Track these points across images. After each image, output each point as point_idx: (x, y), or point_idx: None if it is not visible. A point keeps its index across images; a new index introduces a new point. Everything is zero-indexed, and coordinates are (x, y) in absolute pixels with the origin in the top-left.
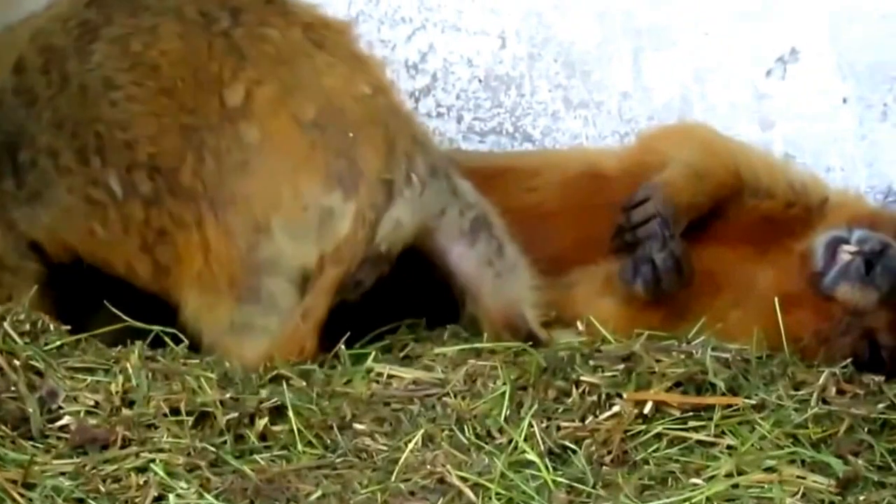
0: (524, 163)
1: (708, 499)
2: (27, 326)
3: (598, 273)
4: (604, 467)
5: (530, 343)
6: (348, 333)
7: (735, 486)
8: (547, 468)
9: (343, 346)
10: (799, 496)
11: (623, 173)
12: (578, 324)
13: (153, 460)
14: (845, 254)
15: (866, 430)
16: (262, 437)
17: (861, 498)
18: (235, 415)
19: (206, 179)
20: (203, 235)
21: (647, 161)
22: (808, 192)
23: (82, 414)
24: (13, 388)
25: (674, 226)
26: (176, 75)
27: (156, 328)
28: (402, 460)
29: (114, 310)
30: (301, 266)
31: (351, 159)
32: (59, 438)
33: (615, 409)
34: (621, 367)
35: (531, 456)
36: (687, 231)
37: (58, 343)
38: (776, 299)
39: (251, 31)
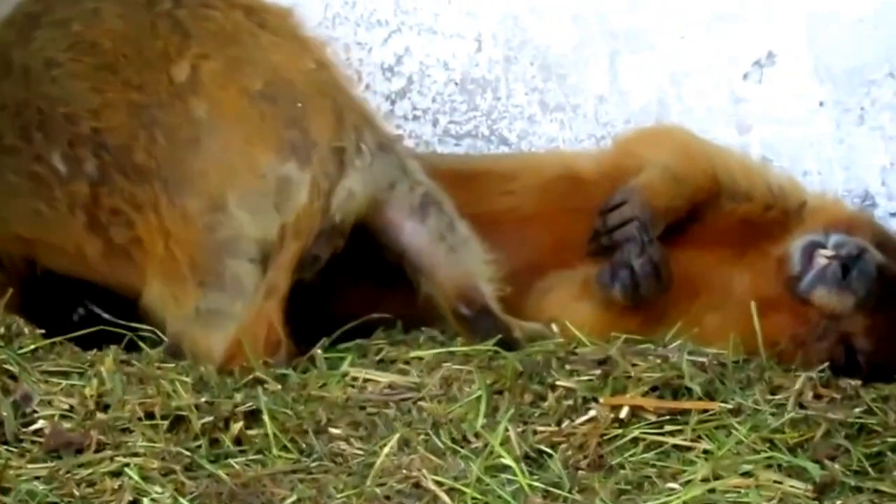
0: (501, 166)
1: (685, 503)
2: (1, 330)
3: (576, 277)
4: (580, 472)
5: (499, 336)
6: (325, 340)
7: (711, 490)
8: (523, 472)
9: (319, 351)
10: (776, 501)
11: (600, 177)
12: (553, 325)
13: (128, 464)
14: (822, 258)
15: (843, 434)
16: (237, 441)
17: (838, 503)
18: (210, 419)
19: (160, 158)
20: (160, 218)
21: (624, 164)
22: (787, 196)
23: (57, 418)
24: None
25: (651, 229)
26: (118, 52)
27: (130, 333)
28: (377, 465)
29: (95, 308)
30: (262, 239)
31: (302, 129)
32: (33, 442)
33: (591, 413)
34: (597, 371)
35: (507, 460)
36: (665, 234)
37: (32, 347)
38: (753, 303)
39: (194, 12)
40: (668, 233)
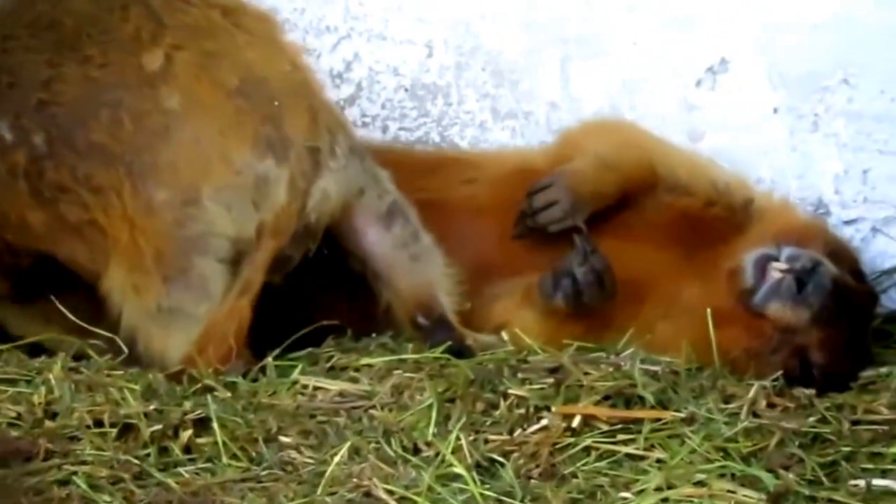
0: (468, 156)
1: None
2: None
3: (520, 285)
4: (532, 481)
5: (449, 344)
6: (278, 350)
7: (665, 500)
8: (475, 481)
9: (269, 359)
10: None
11: (548, 168)
12: (503, 333)
13: (76, 473)
14: (776, 272)
15: (797, 443)
16: (187, 449)
17: None
18: (159, 427)
19: (125, 143)
20: (123, 205)
21: (567, 154)
22: (732, 192)
23: (4, 426)
24: None
25: (575, 213)
26: (81, 30)
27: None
28: (328, 473)
29: (60, 307)
30: (236, 237)
31: (278, 126)
32: None
33: (543, 422)
34: (550, 379)
35: (459, 469)
36: (603, 225)
37: None
38: (709, 312)
39: (170, 3)
40: (607, 223)
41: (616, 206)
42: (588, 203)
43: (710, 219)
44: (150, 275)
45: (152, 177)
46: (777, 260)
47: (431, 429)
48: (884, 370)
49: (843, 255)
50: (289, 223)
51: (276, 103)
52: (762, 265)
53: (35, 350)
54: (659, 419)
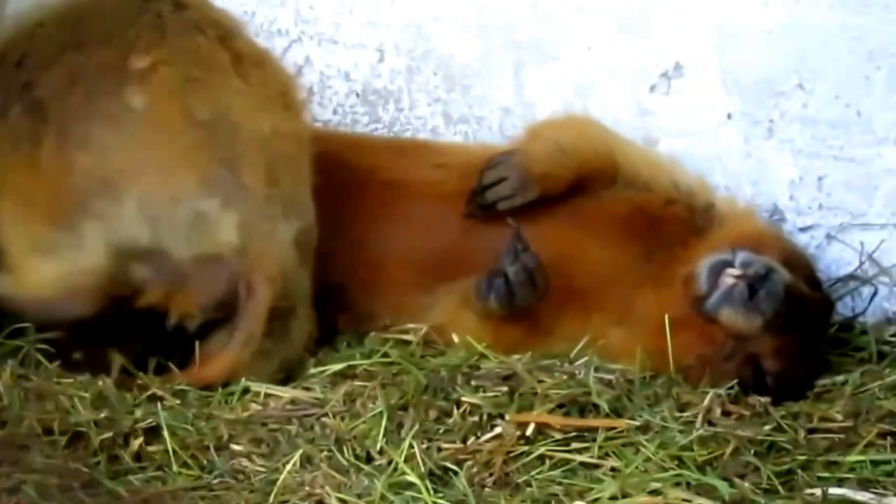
0: (436, 144)
1: None
2: None
3: (459, 288)
4: (486, 489)
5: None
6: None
7: None
8: (428, 490)
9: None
10: None
11: None
12: (454, 337)
13: (25, 481)
14: (729, 277)
15: (752, 452)
16: (137, 457)
17: None
18: (110, 435)
19: (66, 104)
20: (34, 155)
21: None
22: (693, 194)
23: None
24: None
25: (524, 191)
26: (90, 21)
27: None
28: (279, 481)
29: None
30: (133, 243)
31: (234, 172)
32: None
33: (497, 430)
34: (503, 387)
35: (412, 477)
36: (562, 216)
37: None
38: (667, 318)
39: (183, 25)
40: (564, 212)
41: (574, 194)
42: (537, 182)
43: (669, 217)
44: (40, 213)
45: (81, 147)
46: (732, 265)
47: (384, 436)
48: (839, 378)
49: (798, 262)
50: (281, 269)
51: (239, 150)
52: (717, 271)
53: None
54: (613, 427)
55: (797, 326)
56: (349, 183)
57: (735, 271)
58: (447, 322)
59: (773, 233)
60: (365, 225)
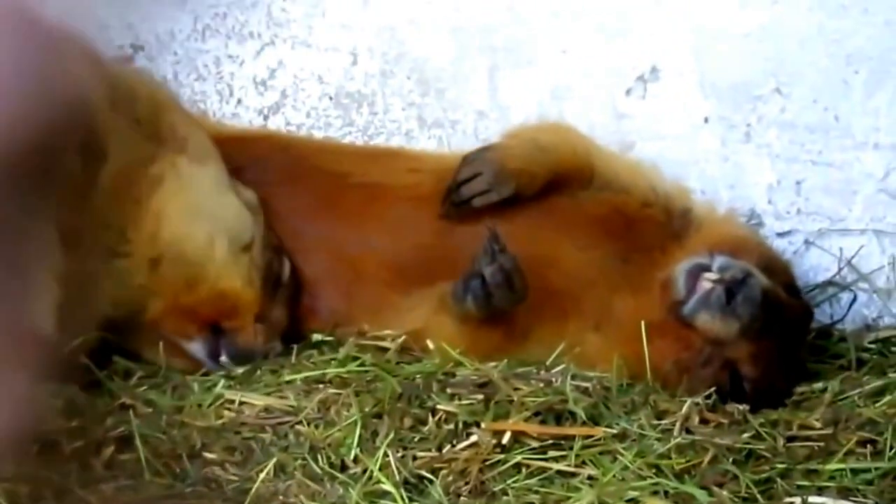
0: (409, 150)
1: None
2: None
3: (436, 292)
4: (461, 498)
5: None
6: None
7: None
8: (403, 499)
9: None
10: None
11: None
12: (429, 343)
13: None
14: (706, 282)
15: (731, 460)
16: (109, 465)
17: None
18: (81, 443)
19: None
20: None
21: None
22: (671, 198)
23: None
24: None
25: (499, 186)
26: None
27: None
28: (253, 490)
29: None
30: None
31: None
32: None
33: (473, 438)
34: (479, 395)
35: (387, 486)
36: (538, 216)
37: None
38: (643, 324)
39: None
40: (540, 212)
41: (549, 194)
42: (512, 177)
43: (646, 220)
44: None
45: None
46: (709, 269)
47: (358, 445)
48: (818, 386)
49: (777, 268)
50: None
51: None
52: (694, 274)
53: None
54: (590, 435)
55: (775, 332)
56: (322, 186)
57: (712, 275)
58: (424, 326)
59: (752, 238)
60: (339, 226)
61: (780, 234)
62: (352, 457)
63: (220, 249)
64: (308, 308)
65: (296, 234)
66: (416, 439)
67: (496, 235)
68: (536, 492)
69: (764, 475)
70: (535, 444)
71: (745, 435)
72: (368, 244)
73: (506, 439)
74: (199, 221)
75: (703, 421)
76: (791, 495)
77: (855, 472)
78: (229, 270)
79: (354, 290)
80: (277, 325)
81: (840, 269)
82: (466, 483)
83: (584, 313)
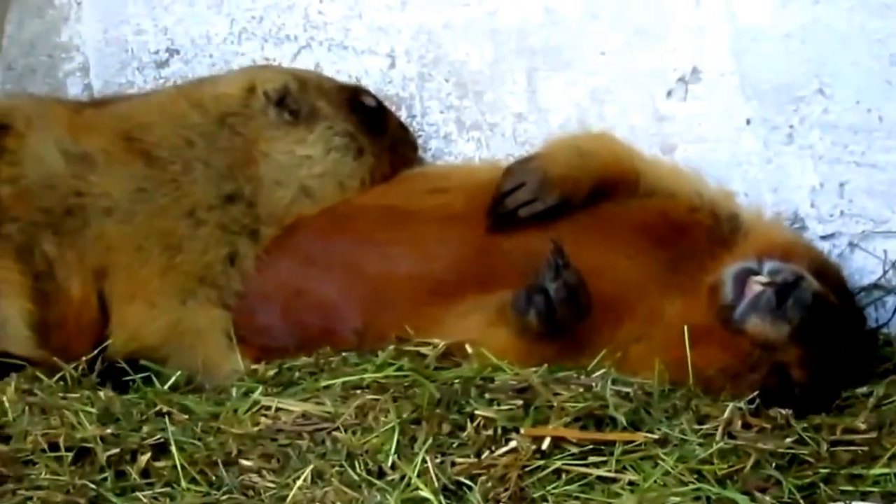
0: (433, 169)
1: None
2: None
3: (493, 302)
4: None
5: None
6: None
7: None
8: None
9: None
10: None
11: None
12: (468, 347)
13: (30, 498)
14: (756, 285)
15: (774, 465)
16: (145, 473)
17: None
18: (117, 451)
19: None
20: None
21: None
22: (717, 203)
23: None
24: None
25: (544, 195)
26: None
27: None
28: (290, 497)
29: None
30: None
31: None
32: None
33: (512, 444)
34: (518, 400)
35: (425, 493)
36: (587, 223)
37: None
38: (686, 329)
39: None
40: (588, 219)
41: (595, 202)
42: (557, 185)
43: (694, 225)
44: None
45: None
46: (758, 274)
47: (396, 451)
48: (863, 390)
49: (829, 272)
50: None
51: None
52: (742, 279)
53: None
54: (631, 441)
55: (826, 336)
56: (339, 210)
57: (762, 279)
58: (477, 337)
59: (802, 242)
60: (357, 249)
61: (824, 237)
62: (389, 463)
63: None
64: (326, 330)
65: (312, 257)
66: (454, 445)
67: (560, 250)
68: (577, 498)
69: (807, 480)
70: (575, 449)
71: (788, 439)
72: (391, 265)
73: (545, 445)
74: None
75: (746, 425)
76: (835, 500)
77: None
78: None
79: (379, 309)
80: None
81: (885, 272)
82: (506, 489)
83: (635, 320)
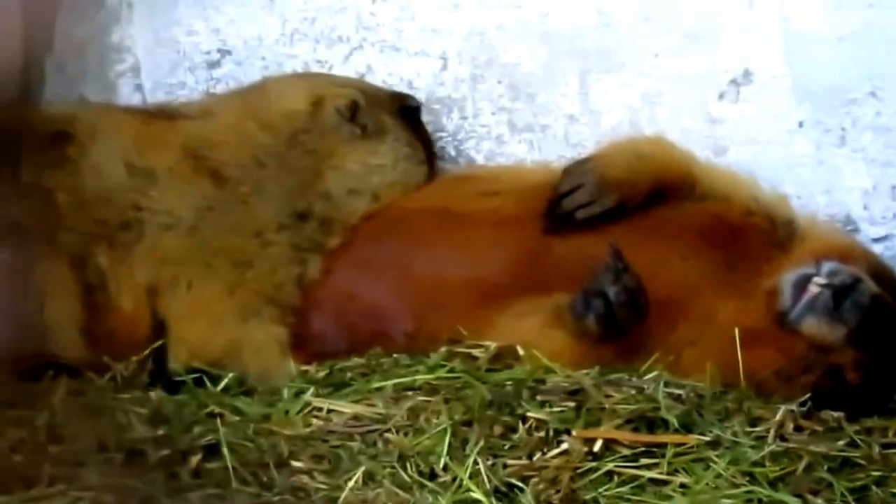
0: (483, 171)
1: None
2: None
3: (549, 304)
4: None
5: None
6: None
7: None
8: None
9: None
10: None
11: None
12: (519, 349)
13: (81, 499)
14: (813, 286)
15: (826, 467)
16: (196, 474)
17: None
18: (167, 452)
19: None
20: None
21: None
22: (773, 207)
23: (6, 450)
24: None
25: (601, 197)
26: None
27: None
28: (341, 499)
29: None
30: None
31: None
32: None
33: (564, 446)
34: (570, 402)
35: (477, 494)
36: (643, 226)
37: None
38: (737, 331)
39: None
40: (645, 222)
41: (652, 205)
42: (614, 188)
43: (750, 228)
44: None
45: None
46: (817, 276)
47: (448, 452)
48: None
49: (885, 277)
50: None
51: None
52: (801, 285)
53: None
54: (683, 443)
55: (882, 339)
56: (390, 213)
57: (820, 280)
58: (533, 339)
59: (859, 246)
60: (408, 252)
61: (876, 240)
62: (441, 465)
63: None
64: (377, 333)
65: (364, 261)
66: (506, 447)
67: (619, 253)
68: (628, 500)
69: (859, 483)
70: (626, 451)
71: (841, 442)
72: (443, 268)
73: (597, 447)
74: None
75: (798, 428)
76: (887, 503)
77: None
78: None
79: (430, 312)
80: None
81: None
82: (557, 491)
83: (690, 322)
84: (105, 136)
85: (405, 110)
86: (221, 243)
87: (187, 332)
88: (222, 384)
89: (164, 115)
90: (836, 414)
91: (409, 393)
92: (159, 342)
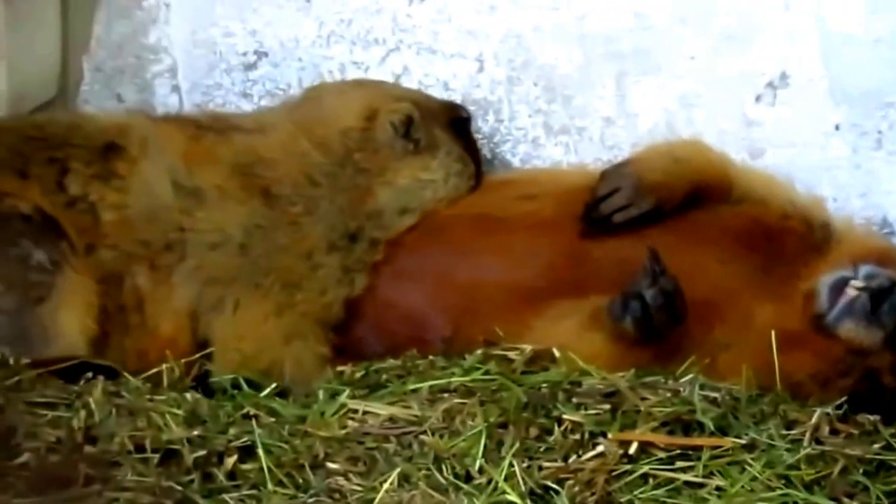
0: (520, 175)
1: None
2: None
3: (586, 307)
4: None
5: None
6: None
7: None
8: None
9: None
10: None
11: None
12: (555, 351)
13: (117, 499)
14: (851, 290)
15: (861, 471)
16: (231, 475)
17: None
18: (203, 453)
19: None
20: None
21: None
22: (808, 210)
23: (43, 450)
24: None
25: (639, 200)
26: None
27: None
28: (377, 501)
29: None
30: None
31: None
32: (18, 476)
33: (599, 448)
34: (605, 405)
35: (512, 497)
36: (680, 229)
37: (16, 378)
38: (773, 333)
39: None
40: (682, 225)
41: (689, 208)
42: (652, 191)
43: (787, 231)
44: None
45: None
46: (854, 279)
47: (483, 455)
48: None
49: None
50: None
51: None
52: (839, 288)
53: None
54: (719, 446)
55: None
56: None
57: (858, 283)
58: (570, 341)
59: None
60: (446, 257)
61: None
62: (477, 467)
63: None
64: (414, 338)
65: (404, 271)
66: (541, 449)
67: (657, 256)
68: (664, 503)
69: (895, 486)
70: (662, 454)
71: (876, 445)
72: (481, 273)
73: (633, 450)
74: None
75: (834, 431)
76: None
77: None
78: None
79: (468, 317)
80: None
81: None
82: (592, 494)
83: (727, 325)
84: (154, 153)
85: (456, 122)
86: (271, 263)
87: (234, 352)
88: (264, 393)
89: (215, 127)
90: (872, 417)
91: (445, 395)
92: (205, 351)
